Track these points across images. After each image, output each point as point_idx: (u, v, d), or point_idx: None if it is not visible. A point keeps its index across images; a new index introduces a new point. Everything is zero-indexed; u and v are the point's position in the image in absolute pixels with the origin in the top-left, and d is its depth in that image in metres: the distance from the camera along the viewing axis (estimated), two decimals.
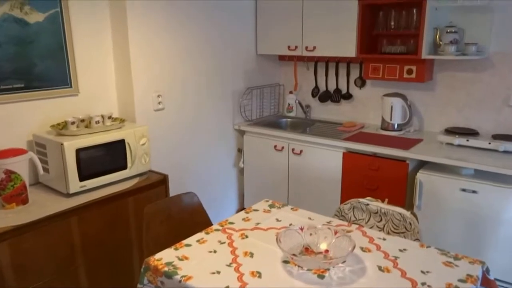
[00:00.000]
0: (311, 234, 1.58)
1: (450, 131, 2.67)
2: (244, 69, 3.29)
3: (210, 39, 2.93)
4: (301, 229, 1.58)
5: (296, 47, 3.12)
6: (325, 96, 3.42)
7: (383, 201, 1.97)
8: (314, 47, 3.04)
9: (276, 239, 1.48)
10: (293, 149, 3.01)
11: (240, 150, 3.38)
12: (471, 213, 2.33)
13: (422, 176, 2.46)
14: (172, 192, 2.45)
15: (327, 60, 3.33)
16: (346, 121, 3.23)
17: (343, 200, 2.84)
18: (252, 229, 1.74)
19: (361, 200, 1.98)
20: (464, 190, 2.34)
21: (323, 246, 1.52)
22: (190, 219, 2.04)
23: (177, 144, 2.83)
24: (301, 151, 2.97)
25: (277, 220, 1.83)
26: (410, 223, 1.83)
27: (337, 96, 3.36)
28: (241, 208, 3.50)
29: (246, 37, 3.26)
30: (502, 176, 2.25)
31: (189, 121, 2.90)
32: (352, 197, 2.78)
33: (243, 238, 1.65)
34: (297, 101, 3.50)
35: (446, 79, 2.86)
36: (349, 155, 2.76)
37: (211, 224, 2.03)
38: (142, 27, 2.46)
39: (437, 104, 2.93)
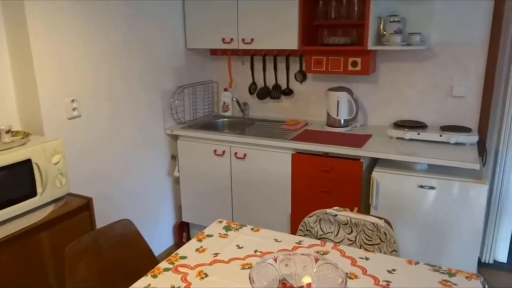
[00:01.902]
0: (286, 265, 1.30)
1: (399, 125, 2.56)
2: (173, 66, 2.90)
3: (133, 35, 2.49)
4: (275, 259, 1.30)
5: (231, 39, 2.81)
6: (264, 93, 3.16)
7: (352, 210, 1.76)
8: (252, 40, 2.75)
9: (249, 279, 1.17)
10: (235, 153, 2.71)
11: (174, 157, 2.99)
12: (430, 209, 2.24)
13: (377, 174, 2.32)
14: (99, 217, 2.02)
15: (264, 54, 3.06)
16: (288, 119, 3.00)
17: (294, 206, 2.61)
18: (210, 263, 1.40)
19: (328, 210, 1.75)
20: (422, 186, 2.23)
21: (305, 279, 1.24)
22: (128, 254, 1.64)
23: (100, 157, 2.37)
24: (245, 155, 2.68)
25: (238, 246, 1.51)
26: (385, 233, 1.64)
27: (277, 92, 3.12)
28: (179, 222, 3.11)
29: (174, 30, 2.87)
30: (457, 169, 2.18)
31: (113, 129, 2.44)
32: (304, 203, 2.58)
33: (202, 278, 1.32)
34: (234, 99, 3.19)
35: (390, 71, 2.76)
36: (298, 157, 2.53)
37: (154, 257, 1.66)
38: (47, 23, 1.96)
39: (381, 96, 2.82)
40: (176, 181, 3.03)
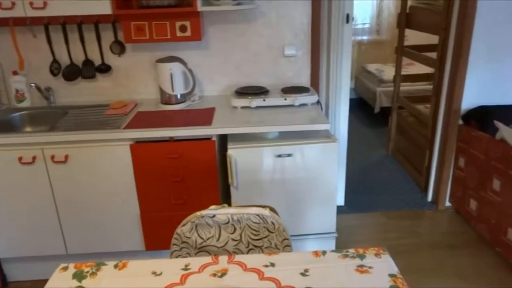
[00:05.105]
0: None
1: (242, 93, 2.38)
2: None
3: None
4: None
5: (13, 4, 2.04)
6: (72, 72, 2.50)
7: (230, 205, 1.49)
8: (45, 3, 2.06)
9: None
10: (52, 157, 2.07)
11: None
12: (290, 176, 2.16)
13: (233, 151, 2.10)
14: None
15: (63, 22, 2.38)
16: (112, 102, 2.46)
17: (142, 205, 2.20)
18: None
19: (204, 212, 1.43)
20: (279, 155, 2.13)
21: None
22: None
23: None
24: (66, 157, 2.07)
25: None
26: (273, 223, 1.44)
27: (90, 70, 2.50)
28: None
29: None
30: (306, 131, 2.15)
31: None
32: (155, 198, 2.18)
33: None
34: (32, 85, 2.42)
35: (219, 34, 2.50)
36: (138, 147, 2.09)
37: None
38: None
39: (214, 63, 2.57)
40: None
